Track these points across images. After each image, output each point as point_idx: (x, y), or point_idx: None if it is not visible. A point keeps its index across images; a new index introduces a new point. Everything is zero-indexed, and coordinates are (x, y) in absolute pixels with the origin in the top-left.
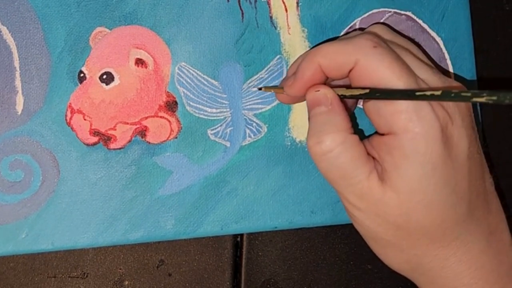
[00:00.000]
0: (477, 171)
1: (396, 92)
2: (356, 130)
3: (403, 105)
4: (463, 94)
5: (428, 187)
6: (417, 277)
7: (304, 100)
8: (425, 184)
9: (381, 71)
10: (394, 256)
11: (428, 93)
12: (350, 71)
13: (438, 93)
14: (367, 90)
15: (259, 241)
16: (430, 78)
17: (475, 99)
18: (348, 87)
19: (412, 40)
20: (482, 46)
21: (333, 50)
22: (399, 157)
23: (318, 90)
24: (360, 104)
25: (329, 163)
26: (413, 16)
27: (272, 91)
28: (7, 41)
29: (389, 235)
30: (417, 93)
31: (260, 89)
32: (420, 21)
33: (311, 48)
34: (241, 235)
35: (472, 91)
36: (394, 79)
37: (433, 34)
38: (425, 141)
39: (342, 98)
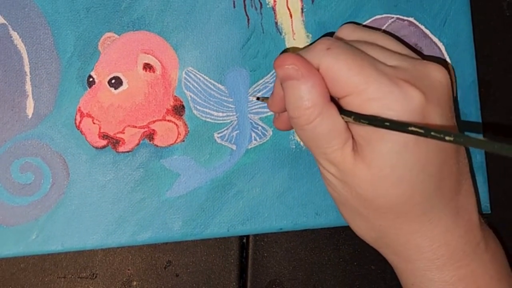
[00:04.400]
0: (451, 151)
1: (398, 123)
2: None
3: (373, 92)
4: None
5: (397, 163)
6: (381, 247)
7: None
8: (394, 160)
9: (338, 69)
10: (361, 224)
11: (421, 129)
12: None
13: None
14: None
15: (264, 242)
16: (400, 64)
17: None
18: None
19: (393, 34)
20: (483, 51)
21: None
22: (372, 132)
23: (288, 66)
24: None
25: (306, 134)
26: (415, 22)
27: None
28: (17, 46)
29: (357, 204)
30: (410, 128)
31: (258, 98)
32: (422, 27)
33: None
34: (247, 236)
35: (472, 137)
36: (352, 75)
37: (435, 39)
38: (398, 119)
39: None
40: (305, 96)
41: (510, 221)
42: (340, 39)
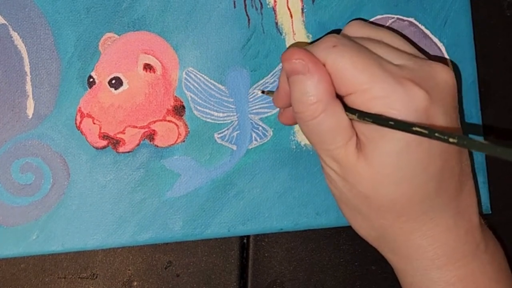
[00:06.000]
0: (454, 152)
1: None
2: None
3: (378, 91)
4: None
5: (399, 163)
6: (381, 246)
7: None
8: (396, 160)
9: (343, 67)
10: (361, 223)
11: (425, 130)
12: None
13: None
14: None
15: (265, 243)
16: (406, 63)
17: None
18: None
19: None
20: (483, 51)
21: None
22: (375, 131)
23: (295, 60)
24: None
25: (310, 129)
26: (416, 22)
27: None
28: (18, 46)
29: (358, 202)
30: (414, 128)
31: (263, 92)
32: (422, 27)
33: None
34: (248, 236)
35: (480, 141)
36: (357, 73)
37: (436, 40)
38: (401, 119)
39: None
40: (310, 92)
41: (510, 222)
42: (346, 36)
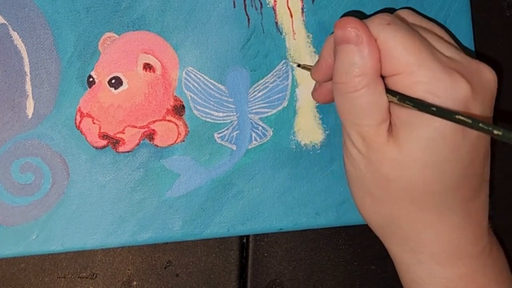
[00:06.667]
0: (482, 153)
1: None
2: None
3: (424, 76)
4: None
5: (430, 150)
6: (386, 235)
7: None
8: (428, 146)
9: (394, 46)
10: (371, 207)
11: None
12: None
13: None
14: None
15: (264, 242)
16: (455, 56)
17: None
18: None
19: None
20: (483, 51)
21: None
22: (413, 116)
23: (350, 29)
24: None
25: (347, 102)
26: None
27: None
28: (17, 46)
29: (374, 184)
30: (458, 116)
31: (299, 65)
32: None
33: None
34: (247, 236)
35: None
36: (406, 54)
37: None
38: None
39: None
40: (358, 63)
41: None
42: (398, 17)
